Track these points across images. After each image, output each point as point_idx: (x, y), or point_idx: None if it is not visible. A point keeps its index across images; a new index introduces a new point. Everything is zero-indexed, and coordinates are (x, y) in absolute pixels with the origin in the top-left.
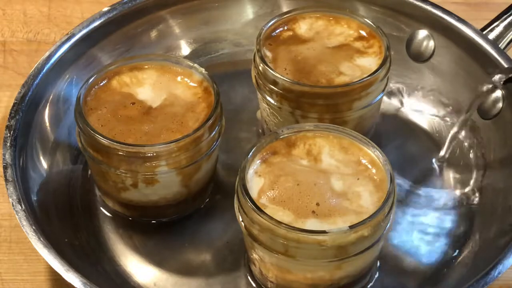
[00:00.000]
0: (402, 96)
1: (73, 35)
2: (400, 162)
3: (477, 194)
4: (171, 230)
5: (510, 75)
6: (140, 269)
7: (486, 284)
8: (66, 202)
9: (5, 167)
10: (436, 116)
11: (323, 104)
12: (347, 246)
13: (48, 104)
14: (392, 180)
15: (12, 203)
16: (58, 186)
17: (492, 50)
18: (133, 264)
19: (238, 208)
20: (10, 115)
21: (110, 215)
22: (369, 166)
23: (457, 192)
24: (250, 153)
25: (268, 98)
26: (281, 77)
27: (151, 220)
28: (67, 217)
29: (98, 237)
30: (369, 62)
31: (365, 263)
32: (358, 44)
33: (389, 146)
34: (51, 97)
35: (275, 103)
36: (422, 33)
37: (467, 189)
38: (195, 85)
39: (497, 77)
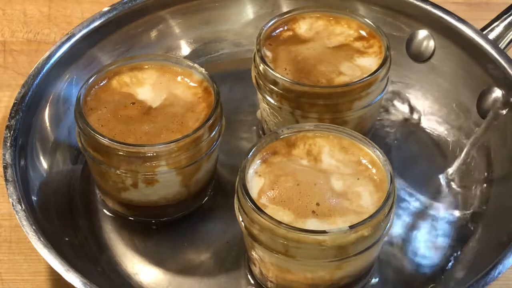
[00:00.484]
0: (415, 110)
1: (73, 35)
2: (400, 162)
3: (477, 195)
4: (171, 230)
5: None
6: (140, 269)
7: (486, 284)
8: (66, 202)
9: (5, 167)
10: (436, 116)
11: (323, 104)
12: (347, 246)
13: (48, 104)
14: (392, 180)
15: (12, 203)
16: (58, 186)
17: (492, 50)
18: (133, 264)
19: (238, 208)
20: (10, 115)
21: (110, 215)
22: (369, 166)
23: (458, 192)
24: (250, 153)
25: (268, 98)
26: (281, 77)
27: (151, 220)
28: (67, 217)
29: (98, 237)
30: (369, 62)
31: (365, 263)
32: (358, 44)
33: (389, 145)
34: (51, 97)
35: (275, 103)
36: (422, 33)
37: (467, 189)
38: (195, 85)
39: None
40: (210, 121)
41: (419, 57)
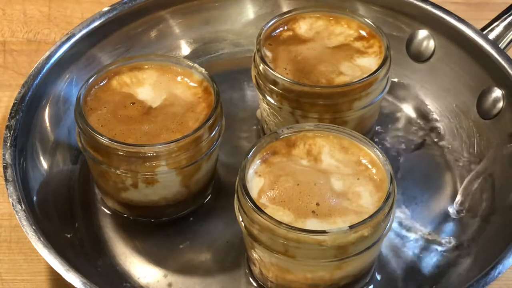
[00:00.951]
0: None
1: (73, 35)
2: (400, 161)
3: (478, 194)
4: (171, 230)
5: None
6: (140, 269)
7: (486, 284)
8: (66, 202)
9: (5, 167)
10: (436, 115)
11: (323, 104)
12: (347, 246)
13: (48, 104)
14: (392, 180)
15: (12, 203)
16: (58, 186)
17: (492, 50)
18: (133, 263)
19: (238, 208)
20: (10, 115)
21: (110, 215)
22: (369, 166)
23: (458, 192)
24: (250, 153)
25: (268, 98)
26: (281, 77)
27: (151, 220)
28: (67, 217)
29: (98, 237)
30: (369, 62)
31: (365, 263)
32: (358, 44)
33: (389, 145)
34: (51, 97)
35: (275, 103)
36: (422, 33)
37: (467, 189)
38: (195, 85)
39: None
40: (210, 121)
41: (419, 57)
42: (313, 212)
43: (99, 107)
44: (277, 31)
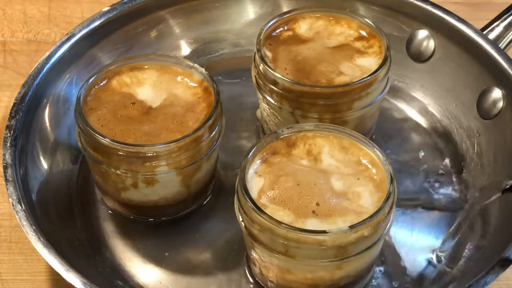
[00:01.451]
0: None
1: (73, 35)
2: (400, 161)
3: (478, 193)
4: (171, 230)
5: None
6: (140, 269)
7: (486, 284)
8: (66, 202)
9: (5, 167)
10: (436, 115)
11: (323, 104)
12: (347, 246)
13: (48, 104)
14: (392, 180)
15: (12, 203)
16: (58, 186)
17: (492, 50)
18: (133, 263)
19: (238, 208)
20: (10, 115)
21: (110, 215)
22: (369, 166)
23: (458, 191)
24: (250, 153)
25: (268, 98)
26: (281, 77)
27: (151, 220)
28: (67, 217)
29: (98, 236)
30: (369, 62)
31: (365, 263)
32: (358, 44)
33: (389, 145)
34: (51, 97)
35: (275, 103)
36: (422, 33)
37: (467, 189)
38: (195, 85)
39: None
40: (210, 121)
41: (419, 57)
42: (313, 212)
43: (99, 107)
44: (277, 31)
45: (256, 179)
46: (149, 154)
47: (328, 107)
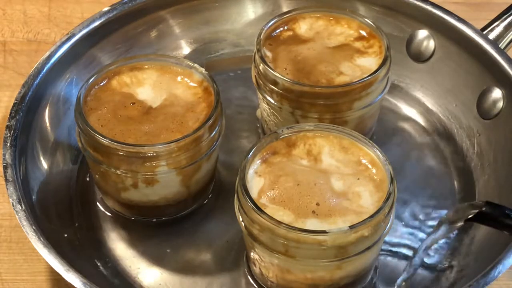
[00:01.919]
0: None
1: (73, 35)
2: (400, 161)
3: (478, 194)
4: (171, 230)
5: (473, 213)
6: (140, 269)
7: (486, 284)
8: (66, 202)
9: (5, 167)
10: (436, 115)
11: (323, 104)
12: (347, 246)
13: (48, 104)
14: (392, 180)
15: (12, 203)
16: (58, 186)
17: (492, 50)
18: (133, 263)
19: (238, 208)
20: (10, 115)
21: (110, 215)
22: (369, 166)
23: (458, 190)
24: (250, 153)
25: (268, 98)
26: (281, 77)
27: (151, 220)
28: (67, 217)
29: (98, 236)
30: (369, 62)
31: (365, 263)
32: (358, 44)
33: (389, 145)
34: (51, 97)
35: (275, 103)
36: (422, 33)
37: (468, 189)
38: (195, 85)
39: (456, 214)
40: (210, 121)
41: (419, 57)
42: (313, 212)
43: (99, 107)
44: (277, 31)
45: (256, 179)
46: (149, 154)
47: (328, 107)
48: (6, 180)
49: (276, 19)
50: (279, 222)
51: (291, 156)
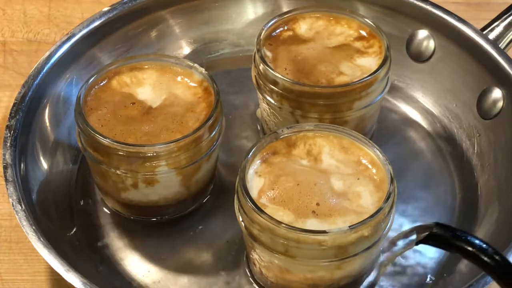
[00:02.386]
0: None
1: (73, 35)
2: (400, 161)
3: (478, 193)
4: (171, 230)
5: (425, 235)
6: (140, 269)
7: (486, 284)
8: (66, 202)
9: (5, 167)
10: (436, 115)
11: (323, 104)
12: (347, 246)
13: (48, 104)
14: (392, 180)
15: (12, 203)
16: (58, 186)
17: (492, 50)
18: (133, 263)
19: (238, 208)
20: (10, 115)
21: (110, 215)
22: (369, 166)
23: (458, 190)
24: (250, 153)
25: (268, 98)
26: (281, 77)
27: (151, 220)
28: (67, 217)
29: (98, 236)
30: (369, 62)
31: (365, 263)
32: (358, 44)
33: (389, 145)
34: (51, 97)
35: (275, 103)
36: (422, 33)
37: (468, 189)
38: (195, 85)
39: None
40: (210, 121)
41: (419, 57)
42: (313, 212)
43: (99, 107)
44: (277, 31)
45: (256, 179)
46: (149, 154)
47: (328, 107)
48: (6, 180)
49: (276, 19)
50: (279, 222)
51: (291, 156)
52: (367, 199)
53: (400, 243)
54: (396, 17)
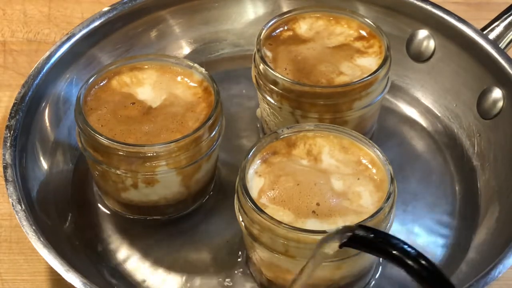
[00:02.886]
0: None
1: (73, 35)
2: (400, 161)
3: (478, 193)
4: (171, 230)
5: (347, 236)
6: (141, 268)
7: (486, 284)
8: (66, 202)
9: (5, 167)
10: (436, 115)
11: (323, 104)
12: None
13: (48, 104)
14: (392, 180)
15: (12, 203)
16: (58, 186)
17: (492, 50)
18: (133, 263)
19: (238, 208)
20: (10, 115)
21: (110, 215)
22: (370, 166)
23: (458, 190)
24: (250, 153)
25: (268, 98)
26: (281, 77)
27: (151, 220)
28: (67, 217)
29: (98, 236)
30: (369, 62)
31: (365, 263)
32: (358, 44)
33: (389, 145)
34: (51, 97)
35: (276, 103)
36: (422, 33)
37: (468, 189)
38: (195, 85)
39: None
40: (210, 121)
41: (419, 57)
42: (313, 212)
43: (99, 107)
44: (277, 31)
45: (256, 179)
46: (149, 154)
47: (328, 107)
48: (6, 180)
49: (276, 19)
50: (279, 222)
51: (291, 156)
52: (367, 199)
53: (324, 246)
54: (396, 17)
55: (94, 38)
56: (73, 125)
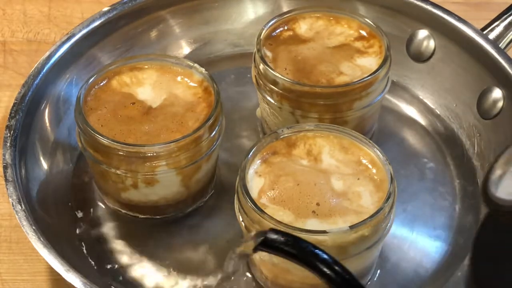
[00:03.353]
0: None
1: (73, 35)
2: (400, 161)
3: (478, 193)
4: (171, 230)
5: (260, 240)
6: (141, 268)
7: None
8: (66, 202)
9: (5, 167)
10: (436, 115)
11: (323, 104)
12: (347, 246)
13: (48, 104)
14: (392, 180)
15: (12, 203)
16: (58, 186)
17: (492, 50)
18: (133, 263)
19: (238, 208)
20: (10, 115)
21: (110, 215)
22: (370, 166)
23: (458, 190)
24: (250, 153)
25: (269, 98)
26: (281, 77)
27: (151, 219)
28: (67, 216)
29: (98, 236)
30: (370, 62)
31: (365, 263)
32: (358, 44)
33: (389, 145)
34: (51, 97)
35: (276, 103)
36: (422, 33)
37: (468, 187)
38: (195, 85)
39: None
40: (210, 121)
41: (419, 57)
42: (313, 212)
43: (99, 107)
44: (277, 31)
45: (256, 179)
46: (149, 154)
47: (328, 107)
48: (6, 180)
49: (276, 19)
50: (279, 222)
51: (291, 156)
52: (367, 199)
53: (239, 250)
54: (396, 17)
55: (94, 38)
56: (73, 125)
